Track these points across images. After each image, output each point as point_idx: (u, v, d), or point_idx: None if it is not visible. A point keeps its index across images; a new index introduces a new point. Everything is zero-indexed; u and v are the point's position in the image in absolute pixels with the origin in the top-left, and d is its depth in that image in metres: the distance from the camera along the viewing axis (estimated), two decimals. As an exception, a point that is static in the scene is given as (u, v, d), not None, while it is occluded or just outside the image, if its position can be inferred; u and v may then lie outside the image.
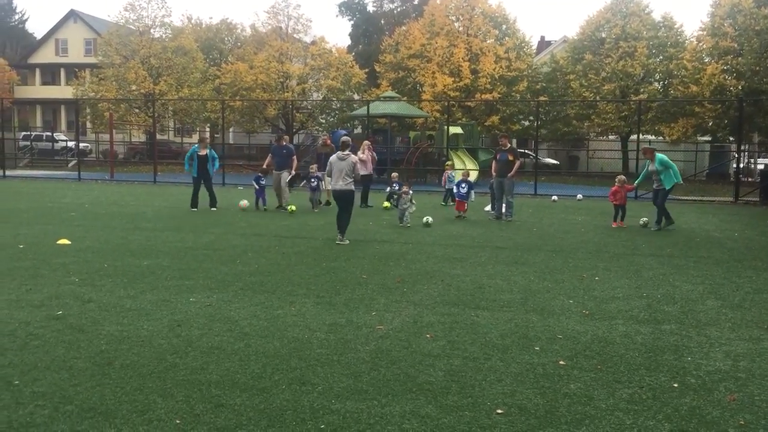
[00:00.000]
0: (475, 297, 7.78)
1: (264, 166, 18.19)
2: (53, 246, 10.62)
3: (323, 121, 40.91)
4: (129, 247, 10.75)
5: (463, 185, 16.07)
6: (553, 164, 41.93)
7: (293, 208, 16.27)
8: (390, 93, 35.01)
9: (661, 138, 36.32)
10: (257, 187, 17.71)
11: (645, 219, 15.15)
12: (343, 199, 11.83)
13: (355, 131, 34.64)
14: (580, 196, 23.69)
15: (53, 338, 5.77)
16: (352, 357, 5.48)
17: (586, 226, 15.14)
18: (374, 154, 20.29)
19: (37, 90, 57.22)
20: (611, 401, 4.67)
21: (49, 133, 47.06)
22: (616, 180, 15.82)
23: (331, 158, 11.91)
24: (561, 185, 30.56)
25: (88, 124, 47.67)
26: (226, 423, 4.14)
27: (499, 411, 4.44)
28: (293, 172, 17.61)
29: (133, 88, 40.49)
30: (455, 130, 31.05)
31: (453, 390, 4.80)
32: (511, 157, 16.15)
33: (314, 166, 17.83)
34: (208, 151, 17.28)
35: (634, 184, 16.22)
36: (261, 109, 39.16)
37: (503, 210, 16.21)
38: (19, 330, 5.98)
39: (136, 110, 40.86)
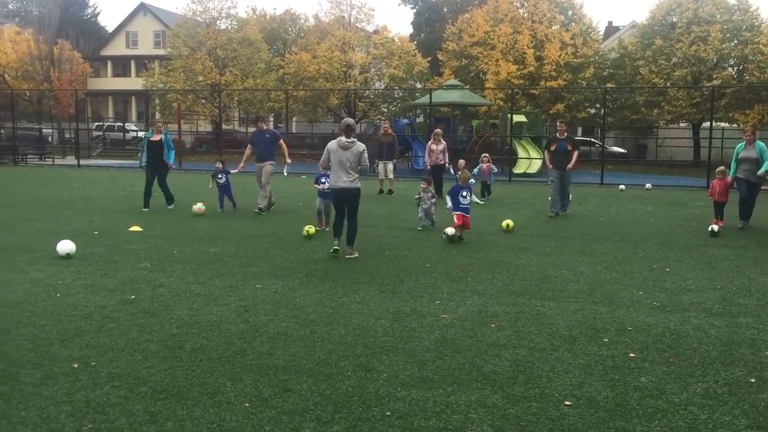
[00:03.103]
0: (540, 287, 7.67)
1: (243, 159, 14.70)
2: (125, 233, 10.94)
3: (385, 110, 40.92)
4: (197, 234, 10.98)
5: (465, 193, 10.91)
6: (620, 153, 40.92)
7: (310, 231, 10.79)
8: (453, 81, 34.73)
9: (735, 125, 35.05)
10: (217, 184, 14.28)
11: (714, 227, 11.85)
12: (347, 199, 9.18)
13: (418, 120, 34.45)
14: (648, 185, 23.07)
15: (127, 321, 5.95)
16: (416, 345, 5.47)
17: (656, 216, 14.74)
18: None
19: (109, 81, 58.95)
20: (684, 395, 4.54)
21: (120, 124, 48.45)
22: (717, 172, 13.19)
23: (329, 146, 9.18)
24: (628, 174, 29.80)
25: (158, 115, 48.92)
26: (293, 407, 4.19)
27: (567, 403, 4.37)
28: (289, 161, 14.66)
29: (200, 78, 41.29)
30: (519, 118, 30.60)
31: (519, 380, 4.75)
32: (569, 147, 14.50)
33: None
34: (162, 136, 14.24)
35: (729, 177, 12.93)
36: (324, 99, 39.40)
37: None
38: (95, 313, 6.18)
39: (203, 101, 41.67)
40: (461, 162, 18.16)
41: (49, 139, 43.63)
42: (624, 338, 5.79)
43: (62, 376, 4.59)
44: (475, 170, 16.89)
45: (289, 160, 14.68)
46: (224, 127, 47.72)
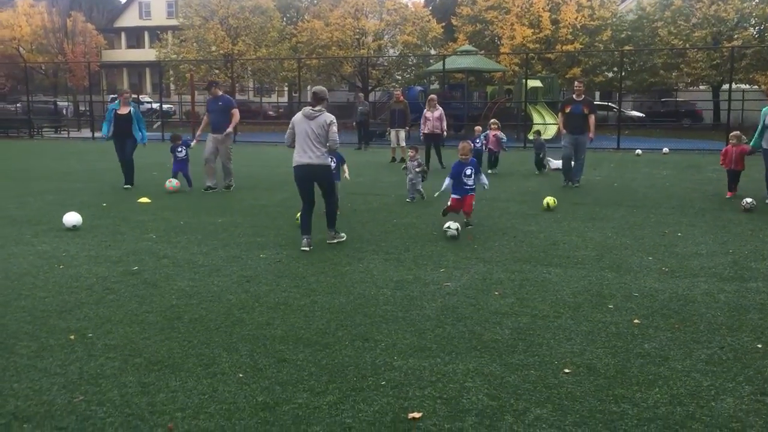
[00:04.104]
0: (548, 254, 7.56)
1: (200, 128, 13.53)
2: (134, 204, 10.93)
3: (399, 77, 40.54)
4: (205, 205, 10.95)
5: (468, 171, 8.93)
6: (639, 117, 40.30)
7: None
8: (467, 47, 34.26)
9: (756, 87, 34.34)
10: (175, 158, 12.95)
11: (750, 200, 10.46)
12: (315, 178, 7.78)
13: (432, 87, 34.08)
14: (666, 149, 22.74)
15: (128, 293, 5.93)
16: (417, 314, 5.40)
17: (671, 180, 14.51)
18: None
19: (123, 53, 58.88)
20: (688, 362, 4.44)
21: (135, 96, 48.45)
22: (730, 137, 12.35)
23: (294, 118, 7.88)
24: (646, 139, 29.37)
25: (172, 86, 48.86)
26: (287, 378, 4.14)
27: (567, 370, 4.29)
28: (230, 130, 12.67)
29: (213, 49, 41.09)
30: (534, 83, 30.17)
31: (519, 348, 4.67)
32: (586, 110, 13.07)
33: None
34: (131, 109, 12.97)
35: (750, 145, 11.64)
36: (337, 67, 39.10)
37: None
38: (96, 285, 6.17)
39: (216, 71, 41.49)
40: (477, 128, 17.66)
41: (64, 112, 43.73)
42: (630, 305, 5.68)
43: (58, 348, 4.58)
44: (481, 136, 15.90)
45: (230, 129, 12.61)
46: (239, 97, 47.55)
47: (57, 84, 50.75)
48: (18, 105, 40.04)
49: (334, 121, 7.74)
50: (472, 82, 35.14)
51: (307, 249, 7.62)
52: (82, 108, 44.71)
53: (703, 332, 5.00)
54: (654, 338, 4.88)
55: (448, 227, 8.35)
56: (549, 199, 10.63)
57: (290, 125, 7.83)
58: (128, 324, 5.10)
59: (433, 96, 17.44)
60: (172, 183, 12.42)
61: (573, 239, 8.35)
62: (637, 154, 21.78)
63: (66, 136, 32.83)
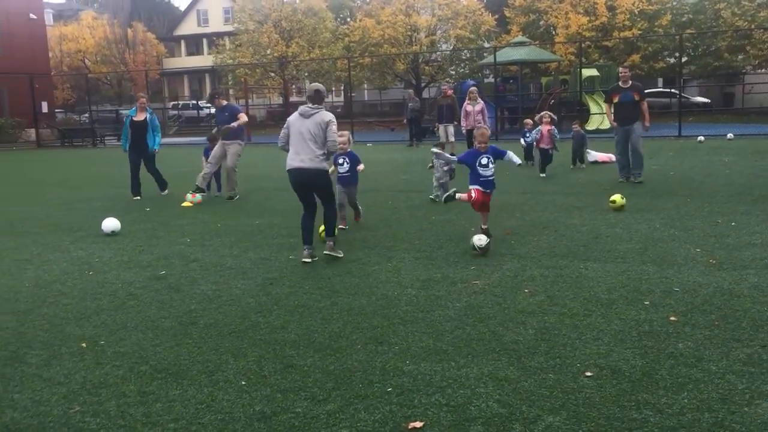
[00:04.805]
0: (588, 248, 7.20)
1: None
2: (177, 208, 11.00)
3: (453, 72, 40.11)
4: (246, 207, 10.94)
5: (484, 160, 7.58)
6: (703, 103, 38.82)
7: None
8: (520, 38, 33.61)
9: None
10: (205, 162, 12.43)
11: None
12: (310, 184, 7.00)
13: (486, 80, 33.56)
14: (730, 135, 21.75)
15: (149, 298, 5.88)
16: (438, 315, 5.17)
17: (732, 167, 13.80)
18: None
19: (183, 61, 60.14)
20: (724, 363, 4.09)
21: (194, 102, 49.40)
22: None
23: (290, 118, 7.07)
24: (711, 125, 28.22)
25: (231, 91, 49.63)
26: (290, 385, 3.98)
27: (588, 374, 4.00)
28: (234, 125, 11.74)
29: (268, 52, 41.51)
30: (590, 72, 29.36)
31: (541, 350, 4.39)
32: (636, 97, 11.99)
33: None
34: (147, 115, 12.45)
35: None
36: (390, 65, 38.94)
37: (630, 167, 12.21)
38: (120, 291, 6.15)
39: (272, 74, 41.90)
40: (528, 121, 17.11)
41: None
42: (668, 300, 5.32)
43: (68, 356, 4.54)
44: (533, 133, 14.34)
45: (234, 124, 11.74)
46: (296, 98, 47.89)
47: (121, 93, 52.21)
48: (86, 115, 41.39)
49: (334, 120, 6.91)
50: (527, 74, 34.48)
51: (309, 261, 6.86)
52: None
53: (745, 329, 4.61)
54: (690, 337, 4.52)
55: (474, 241, 7.08)
56: (617, 197, 9.44)
57: (285, 125, 7.04)
58: (142, 330, 5.03)
59: (473, 88, 17.06)
60: (195, 198, 11.43)
61: (617, 232, 7.96)
62: (699, 141, 20.90)
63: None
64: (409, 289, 5.91)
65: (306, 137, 6.78)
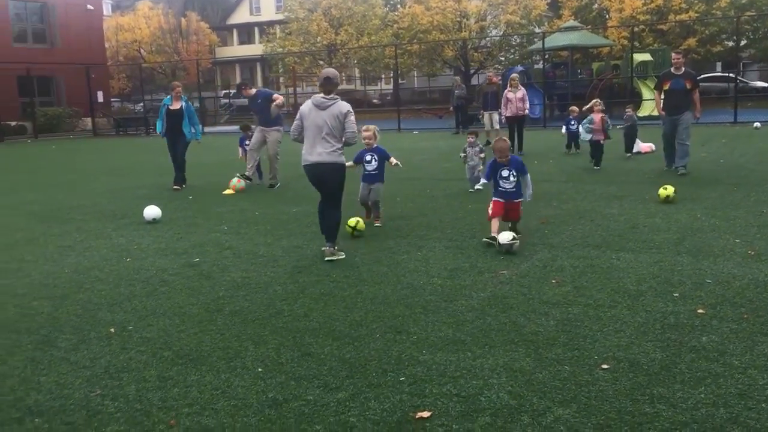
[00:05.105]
0: (623, 238, 7.08)
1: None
2: (219, 196, 11.18)
3: (503, 58, 39.64)
4: (285, 195, 11.06)
5: (505, 172, 7.15)
6: (763, 87, 37.49)
7: (358, 224, 7.66)
8: (571, 23, 32.98)
9: None
10: (242, 151, 12.98)
11: None
12: (324, 179, 6.68)
13: (536, 66, 33.07)
14: (790, 120, 21.01)
15: (180, 285, 6.01)
16: (461, 304, 5.16)
17: (786, 154, 13.34)
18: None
19: (235, 50, 60.96)
20: (747, 357, 3.98)
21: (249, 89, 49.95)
22: None
23: (302, 109, 6.72)
24: (770, 110, 27.27)
25: (282, 79, 50.05)
26: (306, 372, 4.03)
27: (605, 366, 3.94)
28: (278, 97, 11.96)
29: (317, 40, 41.71)
30: (643, 57, 28.67)
31: (560, 341, 4.34)
32: (689, 85, 11.37)
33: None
34: (183, 104, 12.28)
35: None
36: (438, 52, 38.68)
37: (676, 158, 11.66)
38: (154, 277, 6.30)
39: (320, 62, 42.10)
40: (573, 108, 16.72)
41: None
42: (698, 293, 5.19)
43: (96, 341, 4.68)
44: (585, 122, 13.16)
45: (277, 96, 12.04)
46: (346, 86, 48.00)
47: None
48: (140, 104, 42.32)
49: (351, 110, 6.57)
50: (578, 59, 33.85)
51: (333, 259, 6.55)
52: (196, 104, 46.54)
53: (774, 323, 4.48)
54: (715, 330, 4.42)
55: (499, 239, 6.67)
56: (667, 189, 8.95)
57: (297, 116, 6.71)
58: (170, 316, 5.15)
59: (514, 75, 16.84)
60: (240, 183, 11.63)
61: (656, 222, 7.79)
62: (756, 128, 20.24)
63: (179, 132, 34.23)
64: (435, 278, 5.90)
65: (324, 131, 6.47)
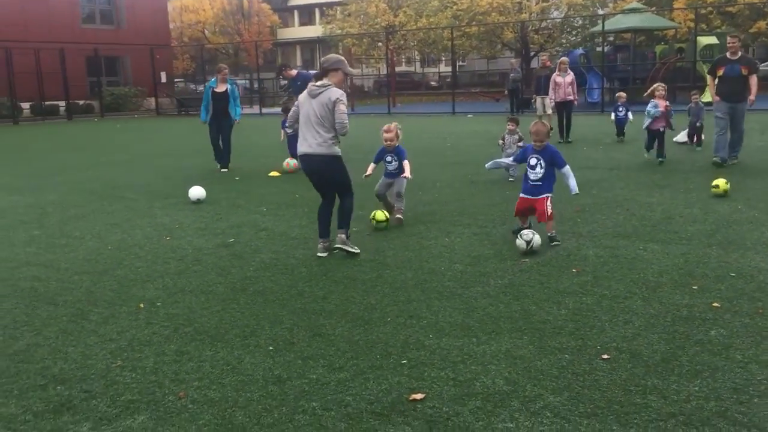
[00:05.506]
0: (655, 228, 7.02)
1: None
2: (264, 178, 11.47)
3: (564, 41, 38.96)
4: (328, 177, 11.24)
5: (533, 159, 6.68)
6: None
7: (379, 216, 7.59)
8: (634, 4, 32.13)
9: None
10: (285, 134, 12.36)
11: None
12: (319, 172, 6.38)
13: (597, 49, 32.41)
14: None
15: (212, 264, 6.27)
16: (477, 291, 5.25)
17: None
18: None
19: (296, 31, 61.59)
20: (751, 352, 3.97)
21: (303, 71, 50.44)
22: None
23: (300, 97, 6.41)
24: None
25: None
26: (313, 352, 4.20)
27: (605, 356, 3.99)
28: None
29: (376, 21, 41.77)
30: (709, 40, 27.76)
31: (566, 330, 4.40)
32: (745, 71, 10.82)
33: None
34: (228, 86, 12.40)
35: None
36: (498, 34, 38.27)
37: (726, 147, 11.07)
38: (189, 256, 6.58)
39: (379, 44, 42.19)
40: (621, 94, 16.27)
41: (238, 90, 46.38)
42: (718, 286, 5.15)
43: (125, 316, 4.95)
44: (651, 108, 11.65)
45: None
46: (405, 68, 48.02)
47: (237, 63, 54.05)
48: (202, 85, 43.24)
49: (342, 98, 6.10)
50: (641, 41, 33.02)
51: (324, 255, 6.36)
52: (256, 86, 47.25)
53: (788, 319, 4.44)
54: (726, 324, 4.40)
55: (523, 236, 6.28)
56: (720, 182, 8.50)
57: (295, 105, 6.47)
58: (196, 294, 5.40)
59: (564, 59, 16.54)
60: (291, 163, 11.72)
61: (693, 212, 7.68)
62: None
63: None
64: (457, 264, 6.00)
65: (312, 120, 6.11)
